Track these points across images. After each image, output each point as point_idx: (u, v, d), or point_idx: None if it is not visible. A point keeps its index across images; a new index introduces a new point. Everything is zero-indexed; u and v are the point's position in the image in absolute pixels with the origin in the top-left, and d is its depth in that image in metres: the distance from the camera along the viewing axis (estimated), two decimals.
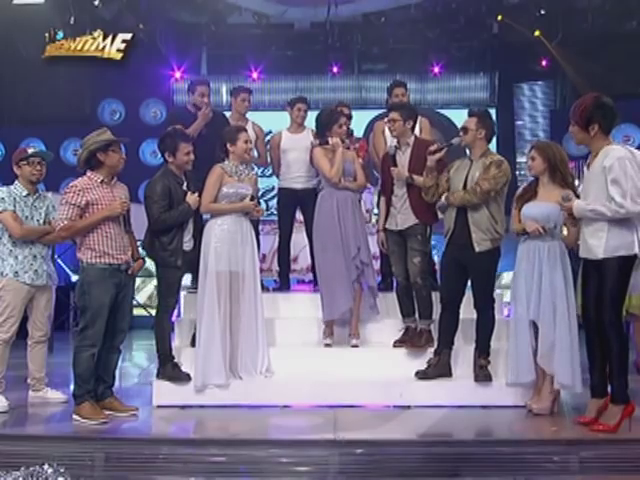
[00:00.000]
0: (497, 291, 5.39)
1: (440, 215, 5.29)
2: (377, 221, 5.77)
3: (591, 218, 4.36)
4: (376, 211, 6.46)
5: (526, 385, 4.93)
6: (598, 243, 4.35)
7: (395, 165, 5.33)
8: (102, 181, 4.79)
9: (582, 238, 4.50)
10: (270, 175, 8.11)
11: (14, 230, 5.07)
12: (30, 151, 5.24)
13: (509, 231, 5.05)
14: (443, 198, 5.05)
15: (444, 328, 5.13)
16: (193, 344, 5.34)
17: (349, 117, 6.10)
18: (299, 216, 6.46)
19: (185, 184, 5.10)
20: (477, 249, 4.93)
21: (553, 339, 4.71)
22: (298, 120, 6.42)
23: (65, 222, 4.70)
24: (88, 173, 4.81)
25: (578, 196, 4.61)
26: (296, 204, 6.31)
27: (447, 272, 5.14)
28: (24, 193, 5.17)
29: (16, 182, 5.20)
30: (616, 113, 4.38)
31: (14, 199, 5.11)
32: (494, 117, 11.84)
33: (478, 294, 5.06)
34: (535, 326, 4.82)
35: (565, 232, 4.84)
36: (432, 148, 5.15)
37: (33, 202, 5.21)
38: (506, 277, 9.06)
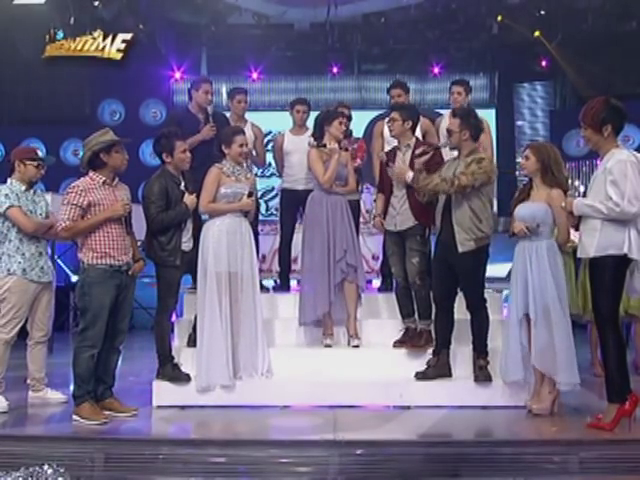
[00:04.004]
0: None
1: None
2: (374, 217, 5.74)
3: (588, 214, 4.38)
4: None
5: (518, 383, 4.91)
6: (591, 242, 4.37)
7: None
8: (104, 182, 4.79)
9: (579, 238, 4.53)
10: (270, 175, 8.14)
11: (26, 225, 5.03)
12: (39, 154, 5.22)
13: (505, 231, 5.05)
14: (420, 178, 5.03)
15: (440, 328, 5.14)
16: (189, 344, 5.35)
17: (349, 118, 6.09)
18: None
19: (183, 184, 5.10)
20: (460, 249, 4.91)
21: (547, 339, 4.70)
22: (299, 122, 6.41)
23: (67, 222, 4.69)
24: (90, 173, 4.80)
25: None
26: (298, 205, 6.27)
27: (437, 272, 5.14)
28: (22, 188, 5.14)
29: (12, 179, 5.14)
30: (626, 113, 4.39)
31: (16, 194, 5.08)
32: (494, 117, 11.88)
33: (467, 295, 5.06)
34: (527, 325, 4.81)
35: (556, 231, 4.84)
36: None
37: (32, 196, 5.19)
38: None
